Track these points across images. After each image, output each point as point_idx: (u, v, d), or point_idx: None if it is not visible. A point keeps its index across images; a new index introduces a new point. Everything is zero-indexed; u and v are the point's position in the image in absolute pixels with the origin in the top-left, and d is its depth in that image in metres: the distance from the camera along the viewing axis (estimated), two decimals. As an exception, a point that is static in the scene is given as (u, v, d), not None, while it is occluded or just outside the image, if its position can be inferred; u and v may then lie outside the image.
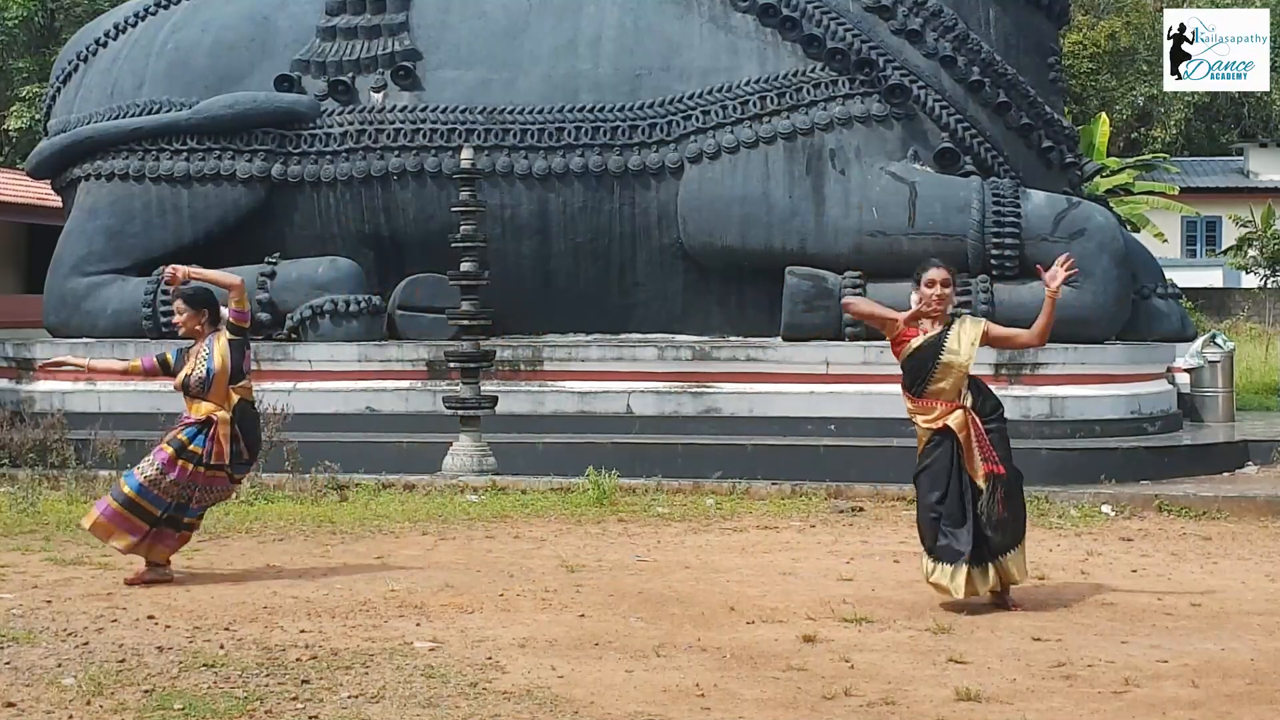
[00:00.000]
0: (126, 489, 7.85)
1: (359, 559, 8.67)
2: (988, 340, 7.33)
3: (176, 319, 8.30)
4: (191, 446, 7.89)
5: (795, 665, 6.17)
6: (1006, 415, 12.50)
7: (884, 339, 12.70)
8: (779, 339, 13.03)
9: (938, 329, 7.22)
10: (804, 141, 13.38)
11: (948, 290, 7.25)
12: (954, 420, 7.15)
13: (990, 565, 7.16)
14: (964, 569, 7.08)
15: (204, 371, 7.98)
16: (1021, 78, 13.88)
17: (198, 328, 8.11)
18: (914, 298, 7.29)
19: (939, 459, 7.18)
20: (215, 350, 8.03)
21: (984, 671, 6.08)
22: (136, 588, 7.72)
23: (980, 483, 7.11)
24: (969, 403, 7.22)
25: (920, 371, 7.20)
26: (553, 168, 13.66)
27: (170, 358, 8.18)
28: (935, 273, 7.24)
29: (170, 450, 7.89)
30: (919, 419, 7.27)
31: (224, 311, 8.15)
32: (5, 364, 14.24)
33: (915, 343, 7.20)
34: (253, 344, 13.54)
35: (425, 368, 13.27)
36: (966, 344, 7.17)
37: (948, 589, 7.13)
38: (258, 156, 14.14)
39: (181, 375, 8.04)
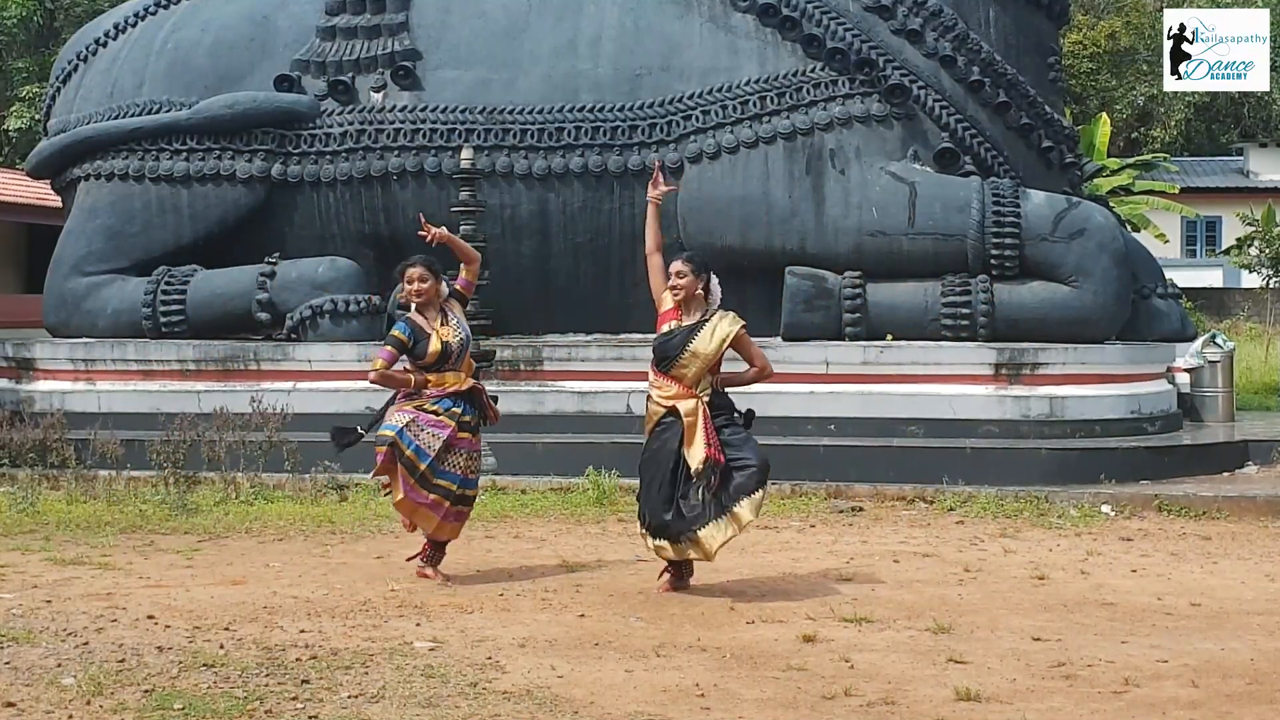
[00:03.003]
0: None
1: (359, 559, 8.67)
2: (735, 344, 7.68)
3: (416, 286, 7.98)
4: (465, 418, 7.94)
5: (795, 665, 6.17)
6: (1006, 415, 12.61)
7: (883, 339, 12.86)
8: (779, 339, 13.03)
9: (696, 318, 7.65)
10: (804, 141, 13.38)
11: (683, 280, 7.63)
12: (685, 405, 7.54)
13: (687, 537, 7.54)
14: (664, 542, 7.52)
15: (464, 337, 7.97)
16: (1021, 78, 13.89)
17: (435, 296, 8.01)
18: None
19: (665, 443, 7.57)
20: (462, 317, 8.05)
21: (984, 671, 6.09)
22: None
23: (697, 465, 7.43)
24: (706, 396, 7.60)
25: (668, 354, 7.62)
26: (553, 168, 13.66)
27: (403, 336, 7.93)
28: (675, 265, 7.69)
29: (452, 425, 7.86)
30: (655, 393, 7.68)
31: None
32: (5, 364, 14.24)
33: (669, 326, 7.68)
34: (253, 343, 13.71)
35: (425, 368, 13.27)
36: (716, 340, 7.59)
37: (672, 553, 7.57)
38: (258, 156, 14.14)
39: (439, 343, 7.85)
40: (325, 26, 14.39)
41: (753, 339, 7.93)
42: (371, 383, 8.11)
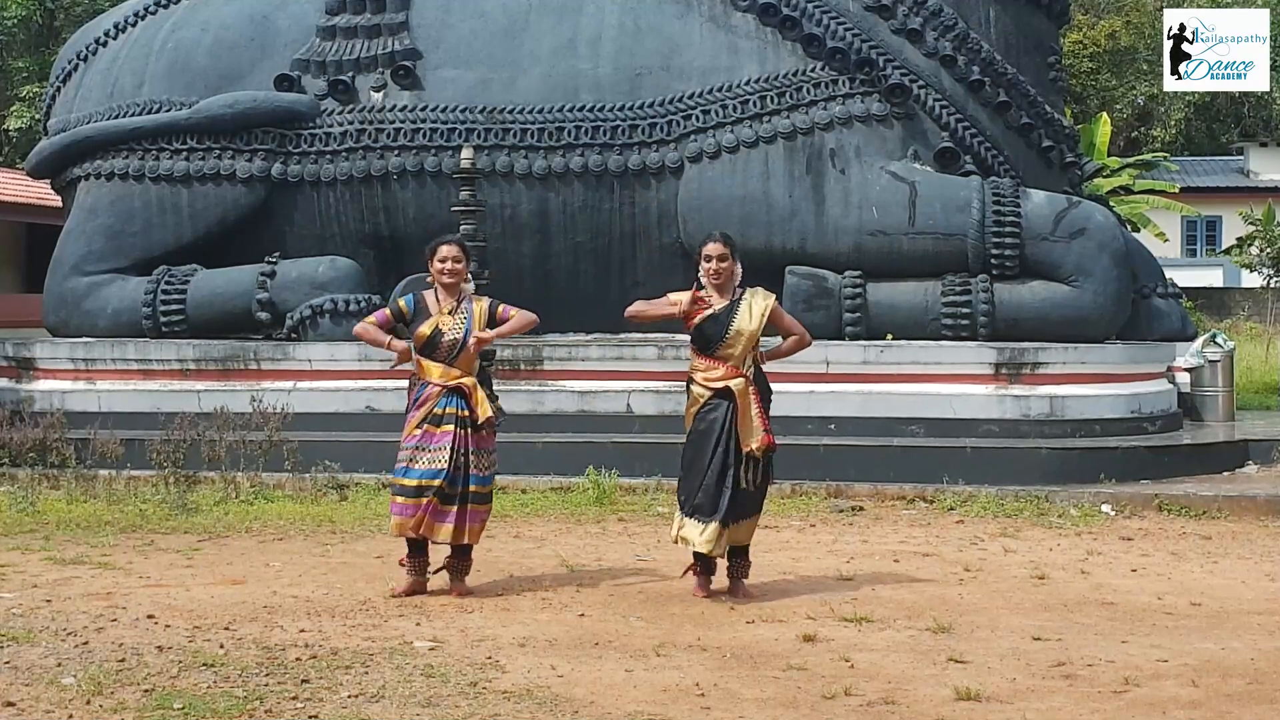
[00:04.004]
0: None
1: (359, 559, 8.67)
2: (772, 316, 7.71)
3: (450, 266, 7.71)
4: (449, 409, 7.61)
5: (795, 665, 6.17)
6: (1006, 415, 12.60)
7: (884, 339, 12.85)
8: (779, 338, 13.00)
9: (726, 301, 7.67)
10: (804, 141, 13.38)
11: (725, 264, 7.65)
12: (736, 384, 7.57)
13: (730, 526, 7.56)
14: (715, 525, 7.48)
15: (461, 336, 7.66)
16: (1021, 77, 13.89)
17: (462, 280, 7.76)
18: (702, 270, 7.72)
19: (714, 422, 7.58)
20: (478, 318, 7.71)
21: (984, 671, 6.09)
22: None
23: (755, 451, 7.51)
24: (751, 374, 7.65)
25: (712, 338, 7.64)
26: (553, 167, 13.66)
27: (404, 306, 7.76)
28: (713, 247, 7.67)
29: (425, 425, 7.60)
30: (700, 375, 7.68)
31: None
32: (5, 364, 14.23)
33: (707, 314, 7.67)
34: (253, 343, 13.70)
35: (425, 367, 13.26)
36: (756, 314, 7.64)
37: (695, 542, 7.52)
38: (258, 156, 14.13)
39: (430, 329, 7.64)
40: (325, 26, 14.38)
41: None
42: (354, 333, 8.00)
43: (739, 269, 7.76)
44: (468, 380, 7.70)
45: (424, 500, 7.55)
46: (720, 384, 7.58)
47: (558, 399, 12.99)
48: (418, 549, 7.74)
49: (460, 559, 7.78)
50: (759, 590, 7.69)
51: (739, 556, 7.71)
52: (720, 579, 7.71)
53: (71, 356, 13.98)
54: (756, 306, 7.64)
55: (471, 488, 7.62)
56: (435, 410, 7.64)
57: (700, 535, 7.51)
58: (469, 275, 7.96)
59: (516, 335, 8.23)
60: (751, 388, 7.60)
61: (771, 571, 8.23)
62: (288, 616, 7.03)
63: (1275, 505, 10.58)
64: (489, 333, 7.75)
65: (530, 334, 13.73)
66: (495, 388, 12.36)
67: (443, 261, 7.77)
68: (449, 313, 7.72)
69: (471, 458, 7.63)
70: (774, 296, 7.80)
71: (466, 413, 7.65)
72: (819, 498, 10.94)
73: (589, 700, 5.61)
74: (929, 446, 12.04)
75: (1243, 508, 10.58)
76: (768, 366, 7.89)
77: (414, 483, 7.57)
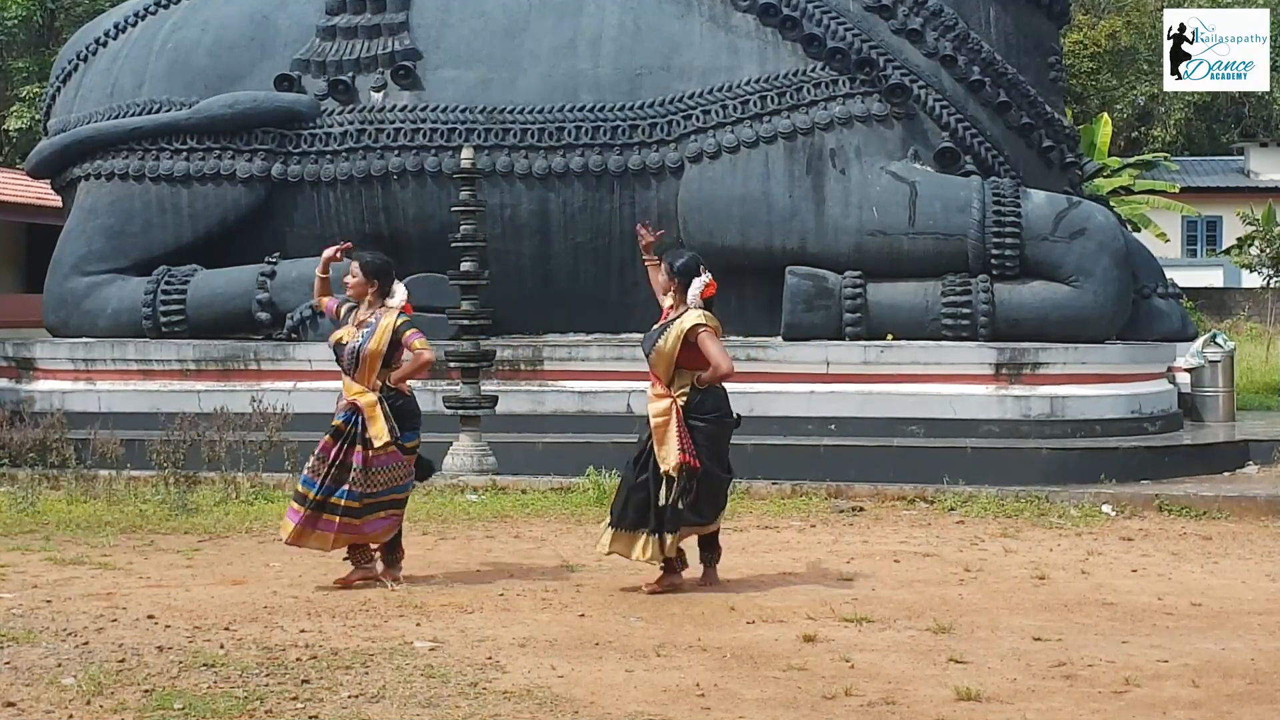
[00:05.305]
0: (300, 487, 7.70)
1: (359, 559, 8.65)
2: (695, 341, 7.49)
3: (346, 280, 7.81)
4: (338, 423, 7.64)
5: (795, 665, 6.17)
6: (1006, 415, 12.54)
7: (884, 339, 12.86)
8: (779, 338, 13.03)
9: (676, 315, 7.61)
10: (804, 141, 13.39)
11: (355, 279, 7.73)
12: (654, 407, 7.54)
13: (666, 536, 7.49)
14: (610, 531, 7.61)
15: (356, 347, 7.65)
16: (1022, 77, 13.90)
17: (368, 296, 7.74)
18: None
19: (644, 437, 7.61)
20: (379, 329, 7.66)
21: (984, 671, 6.08)
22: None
23: (670, 471, 7.41)
24: (683, 396, 7.50)
25: (645, 352, 7.68)
26: (553, 167, 13.67)
27: (342, 311, 7.82)
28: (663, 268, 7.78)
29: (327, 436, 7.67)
30: (649, 391, 7.71)
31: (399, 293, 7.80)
32: (5, 364, 14.24)
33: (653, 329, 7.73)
34: (253, 343, 13.68)
35: (425, 367, 13.26)
36: (672, 336, 7.52)
37: (600, 546, 7.70)
38: (258, 156, 14.14)
39: (335, 337, 7.75)
40: (325, 26, 14.39)
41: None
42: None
43: (690, 292, 7.53)
44: (364, 399, 7.65)
45: (300, 509, 7.65)
46: (651, 397, 7.58)
47: (558, 399, 13.00)
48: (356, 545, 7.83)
49: (360, 554, 7.80)
50: (756, 590, 7.68)
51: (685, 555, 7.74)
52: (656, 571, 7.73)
53: (71, 356, 13.99)
54: (676, 326, 7.49)
55: (342, 501, 7.59)
56: (335, 423, 7.71)
57: (600, 540, 7.67)
58: (390, 291, 7.82)
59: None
60: (676, 409, 7.41)
61: (771, 571, 8.23)
62: (288, 616, 7.03)
63: (1275, 505, 10.56)
64: (396, 374, 7.70)
65: (530, 334, 13.84)
66: (496, 388, 12.48)
67: (347, 276, 7.85)
68: (357, 325, 7.76)
69: (353, 473, 7.58)
70: (700, 322, 7.47)
71: (359, 429, 7.63)
72: (819, 498, 10.93)
73: (589, 700, 5.61)
74: (929, 447, 12.04)
75: (1243, 508, 10.57)
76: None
77: (301, 489, 7.71)
